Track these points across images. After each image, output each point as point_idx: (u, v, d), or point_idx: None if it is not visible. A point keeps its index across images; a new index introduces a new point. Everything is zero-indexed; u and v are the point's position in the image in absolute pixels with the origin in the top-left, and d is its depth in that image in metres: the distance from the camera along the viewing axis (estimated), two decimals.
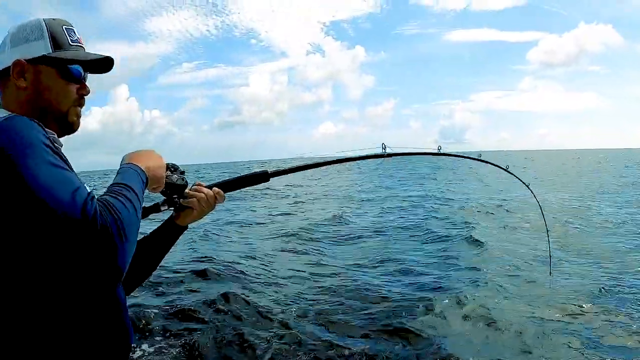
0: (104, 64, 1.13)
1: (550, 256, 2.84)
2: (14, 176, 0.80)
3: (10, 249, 0.85)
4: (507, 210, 11.95)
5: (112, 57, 1.12)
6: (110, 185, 0.95)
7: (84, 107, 1.12)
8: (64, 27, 1.08)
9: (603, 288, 5.35)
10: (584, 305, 4.85)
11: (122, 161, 1.08)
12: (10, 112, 0.98)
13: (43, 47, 1.04)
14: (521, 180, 2.21)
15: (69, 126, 1.08)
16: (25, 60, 1.03)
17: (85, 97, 1.11)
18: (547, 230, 2.84)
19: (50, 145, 0.88)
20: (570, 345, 3.95)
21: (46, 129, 0.94)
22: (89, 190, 0.87)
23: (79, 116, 1.10)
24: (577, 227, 9.56)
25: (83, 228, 0.78)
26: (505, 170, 2.11)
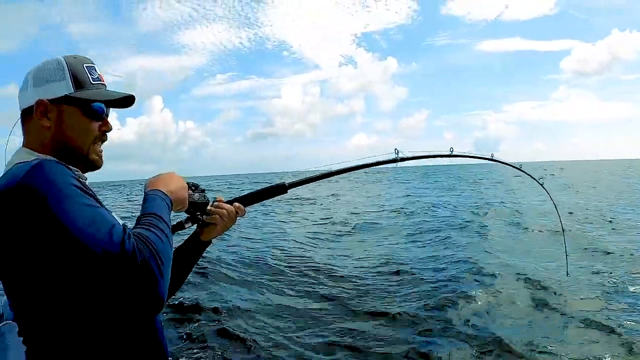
0: (125, 100, 1.15)
1: (566, 255, 2.82)
2: (52, 221, 0.83)
3: (56, 289, 0.90)
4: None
5: (133, 95, 1.14)
6: (141, 215, 0.99)
7: (106, 141, 1.14)
8: (85, 65, 1.08)
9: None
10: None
11: (145, 187, 1.11)
12: (36, 154, 1.02)
13: (65, 87, 1.05)
14: (535, 180, 2.23)
15: (91, 164, 1.10)
16: (47, 100, 1.04)
17: (107, 133, 1.13)
18: (563, 231, 2.83)
19: (80, 185, 0.91)
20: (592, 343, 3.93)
21: (71, 168, 0.98)
22: (121, 224, 0.91)
23: (99, 155, 1.12)
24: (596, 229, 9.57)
25: (124, 265, 0.83)
26: (519, 169, 2.11)
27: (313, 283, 6.35)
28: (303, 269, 7.12)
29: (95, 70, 1.10)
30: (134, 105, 1.17)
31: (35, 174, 0.88)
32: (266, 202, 1.52)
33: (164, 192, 1.08)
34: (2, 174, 0.99)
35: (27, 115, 1.06)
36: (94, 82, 1.08)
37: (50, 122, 1.04)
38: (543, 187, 2.23)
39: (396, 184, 34.63)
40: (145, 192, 1.09)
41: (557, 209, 2.42)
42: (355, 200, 20.49)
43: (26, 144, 1.06)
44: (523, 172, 2.12)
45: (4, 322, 1.82)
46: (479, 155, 1.96)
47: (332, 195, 22.60)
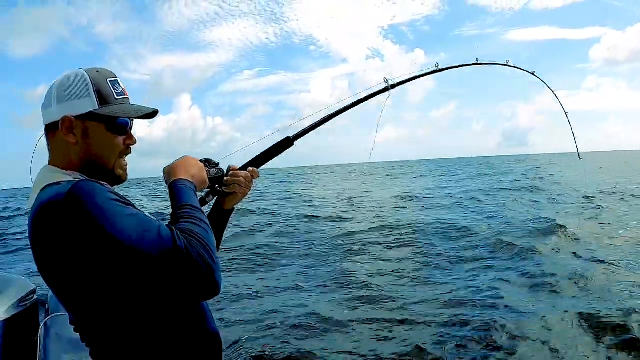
0: (149, 113, 1.16)
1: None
2: (106, 237, 0.86)
3: (115, 298, 0.94)
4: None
5: (157, 110, 1.14)
6: (177, 208, 1.03)
7: (130, 154, 1.16)
8: (108, 80, 1.08)
9: None
10: None
11: (165, 175, 1.15)
12: (62, 171, 1.04)
13: (90, 104, 1.05)
14: (547, 85, 2.17)
15: (117, 179, 1.12)
16: (73, 116, 1.04)
17: (132, 146, 1.14)
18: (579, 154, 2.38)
19: (116, 197, 0.94)
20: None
21: (102, 183, 1.01)
22: (165, 224, 0.94)
23: (124, 169, 1.13)
24: None
25: (182, 260, 0.87)
26: (532, 74, 2.07)
27: None
28: None
29: (119, 85, 1.11)
30: (153, 118, 1.17)
31: (75, 195, 0.90)
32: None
33: (189, 181, 1.11)
34: (31, 191, 1.03)
35: (50, 130, 1.07)
36: (117, 97, 1.09)
37: (76, 137, 1.05)
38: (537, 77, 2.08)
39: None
40: (169, 184, 1.11)
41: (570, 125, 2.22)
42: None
43: (52, 161, 1.08)
44: (536, 77, 2.04)
45: (51, 315, 2.11)
46: (465, 64, 1.91)
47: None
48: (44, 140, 1.10)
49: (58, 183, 0.97)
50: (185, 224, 0.95)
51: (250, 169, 1.40)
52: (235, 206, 1.41)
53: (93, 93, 1.05)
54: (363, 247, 8.44)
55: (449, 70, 1.85)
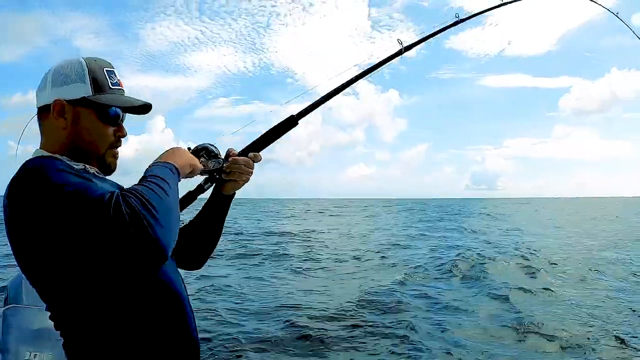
0: (142, 107, 1.15)
1: None
2: (47, 188, 0.88)
3: (69, 266, 0.92)
4: None
5: (150, 103, 1.14)
6: (141, 178, 1.00)
7: (121, 147, 1.14)
8: (105, 69, 1.09)
9: None
10: None
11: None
12: (48, 155, 1.02)
13: (83, 90, 1.05)
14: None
15: (107, 167, 1.11)
16: (65, 100, 1.04)
17: (122, 138, 1.13)
18: None
19: (70, 170, 0.93)
20: None
21: (76, 163, 1.01)
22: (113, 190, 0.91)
23: (115, 157, 1.12)
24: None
25: (112, 217, 0.83)
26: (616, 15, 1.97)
27: None
28: None
29: (115, 75, 1.11)
30: (146, 114, 1.17)
31: (33, 160, 0.95)
32: None
33: (168, 162, 1.06)
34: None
35: (43, 113, 1.07)
36: (112, 87, 1.09)
37: (67, 122, 1.04)
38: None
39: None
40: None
41: None
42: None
43: (42, 145, 1.07)
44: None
45: (9, 306, 1.99)
46: (489, 7, 1.75)
47: None
48: (32, 125, 1.10)
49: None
50: (135, 186, 0.92)
51: (251, 154, 1.34)
52: (236, 191, 1.36)
53: (88, 79, 1.05)
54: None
55: (469, 19, 1.61)
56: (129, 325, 0.98)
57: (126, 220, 0.83)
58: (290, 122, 1.39)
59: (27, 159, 1.00)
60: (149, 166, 1.05)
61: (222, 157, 1.28)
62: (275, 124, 1.39)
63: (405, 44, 1.52)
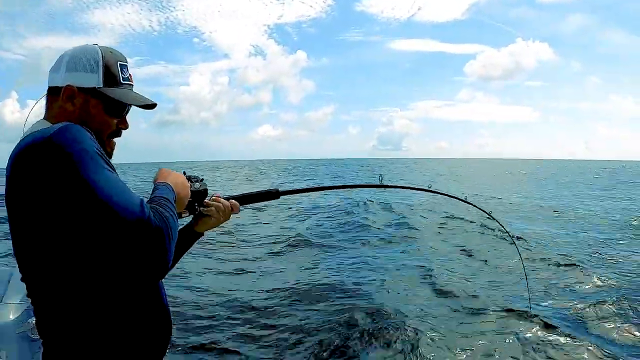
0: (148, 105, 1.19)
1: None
2: (80, 182, 0.89)
3: (73, 249, 0.94)
4: None
5: (156, 103, 1.19)
6: (156, 196, 1.05)
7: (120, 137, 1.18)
8: (118, 63, 1.13)
9: None
10: None
11: (156, 174, 1.19)
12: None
13: (95, 80, 1.09)
14: (485, 212, 2.18)
15: (106, 154, 1.11)
16: (76, 87, 1.07)
17: (123, 130, 1.18)
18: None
19: (101, 154, 0.97)
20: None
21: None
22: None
23: (112, 147, 1.17)
24: None
25: (142, 227, 0.88)
26: (464, 201, 2.07)
27: None
28: None
29: (127, 70, 1.16)
30: (152, 109, 1.20)
31: (64, 131, 0.93)
32: None
33: (171, 185, 1.13)
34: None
35: (53, 93, 1.10)
36: (123, 82, 1.13)
37: (74, 107, 1.08)
38: (493, 218, 2.20)
39: None
40: (155, 183, 1.15)
41: (505, 228, 2.37)
42: None
43: (47, 118, 1.09)
44: (469, 203, 2.05)
45: None
46: (454, 196, 2.01)
47: None
48: (37, 108, 1.14)
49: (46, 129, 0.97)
50: (159, 208, 0.97)
51: (233, 201, 1.43)
52: (205, 232, 1.42)
53: (101, 71, 1.09)
54: None
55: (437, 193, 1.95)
56: (101, 291, 0.99)
57: (154, 235, 0.90)
58: (272, 194, 1.54)
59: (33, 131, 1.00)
60: (160, 182, 1.12)
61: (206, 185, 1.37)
62: (258, 190, 1.57)
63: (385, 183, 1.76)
